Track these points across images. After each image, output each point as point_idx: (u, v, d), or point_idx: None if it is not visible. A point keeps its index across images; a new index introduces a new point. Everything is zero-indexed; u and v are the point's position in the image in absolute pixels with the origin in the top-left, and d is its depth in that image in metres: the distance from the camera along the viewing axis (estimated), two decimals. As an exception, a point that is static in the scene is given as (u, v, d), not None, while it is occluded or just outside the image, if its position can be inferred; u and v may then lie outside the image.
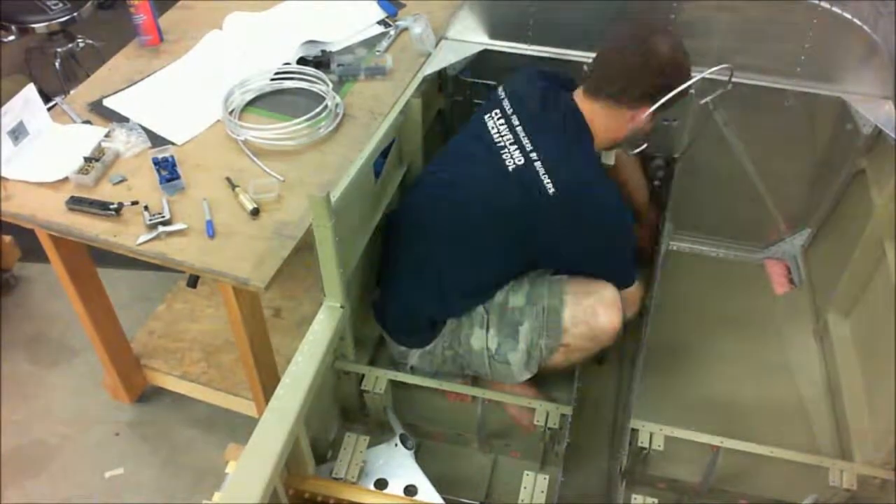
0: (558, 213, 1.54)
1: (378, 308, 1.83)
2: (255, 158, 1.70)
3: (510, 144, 1.59)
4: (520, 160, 1.56)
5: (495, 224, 1.60)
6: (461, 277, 1.68)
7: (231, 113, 1.78)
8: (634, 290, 1.73)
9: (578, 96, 1.63)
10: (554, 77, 1.74)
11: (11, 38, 2.56)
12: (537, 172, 1.53)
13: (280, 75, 1.89)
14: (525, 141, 1.58)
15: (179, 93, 1.89)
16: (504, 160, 1.57)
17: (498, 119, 1.65)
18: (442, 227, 1.67)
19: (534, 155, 1.55)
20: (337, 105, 1.81)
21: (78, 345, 2.27)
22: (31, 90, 1.73)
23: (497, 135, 1.62)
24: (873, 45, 1.77)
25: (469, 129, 1.74)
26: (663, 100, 1.57)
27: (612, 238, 1.64)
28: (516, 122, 1.61)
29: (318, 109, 1.76)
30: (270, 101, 1.86)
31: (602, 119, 1.61)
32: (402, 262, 1.75)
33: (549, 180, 1.52)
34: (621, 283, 1.68)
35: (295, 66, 1.91)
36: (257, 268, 1.48)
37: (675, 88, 1.56)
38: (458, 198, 1.64)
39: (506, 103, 1.66)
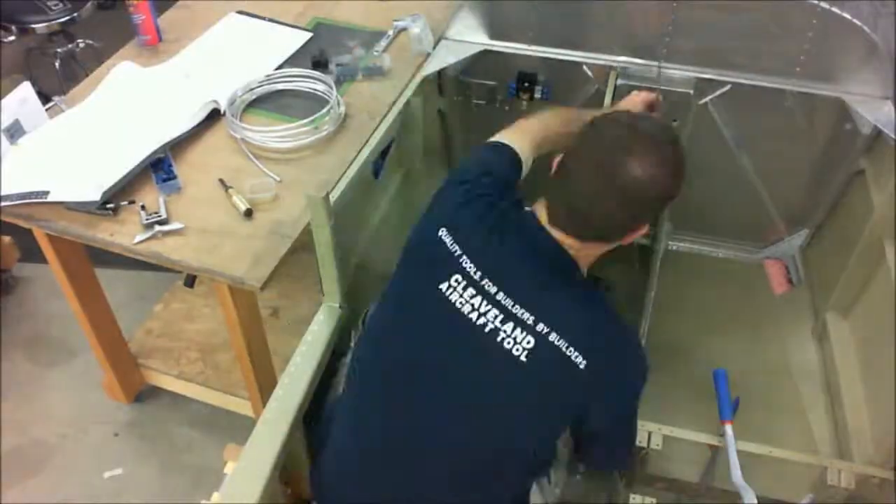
0: (593, 385, 1.20)
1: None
2: (253, 158, 1.70)
3: (501, 323, 1.17)
4: (528, 342, 1.16)
5: (518, 424, 1.21)
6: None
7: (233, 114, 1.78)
8: None
9: (551, 227, 1.22)
10: (500, 194, 1.28)
11: (11, 38, 2.56)
12: (559, 348, 1.16)
13: (281, 76, 1.89)
14: (519, 312, 1.18)
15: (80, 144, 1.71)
16: (507, 347, 1.17)
17: (465, 290, 1.20)
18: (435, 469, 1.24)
19: (541, 327, 1.17)
20: (339, 106, 1.80)
21: (77, 345, 2.27)
22: (27, 88, 1.71)
23: (475, 313, 1.18)
24: (873, 45, 1.77)
25: (416, 301, 1.26)
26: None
27: (638, 396, 1.31)
28: (493, 290, 1.19)
29: (323, 112, 1.76)
30: (270, 102, 1.85)
31: (591, 250, 1.24)
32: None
33: (575, 353, 1.16)
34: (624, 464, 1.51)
35: (296, 69, 1.90)
36: (253, 267, 1.48)
37: (672, 198, 1.25)
38: (460, 423, 1.21)
39: (468, 264, 1.21)
